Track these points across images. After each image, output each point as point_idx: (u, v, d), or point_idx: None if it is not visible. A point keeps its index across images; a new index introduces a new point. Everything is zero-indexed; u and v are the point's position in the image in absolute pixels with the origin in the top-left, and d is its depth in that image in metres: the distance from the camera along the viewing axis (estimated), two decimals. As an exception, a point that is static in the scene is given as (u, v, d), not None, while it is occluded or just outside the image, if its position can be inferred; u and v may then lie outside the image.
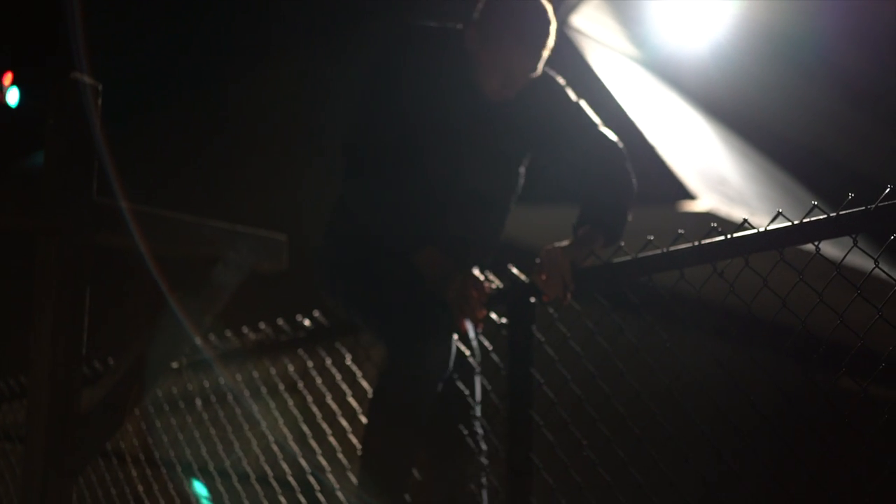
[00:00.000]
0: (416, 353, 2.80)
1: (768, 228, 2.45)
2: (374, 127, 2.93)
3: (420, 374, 2.80)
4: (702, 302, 2.62)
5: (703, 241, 2.57)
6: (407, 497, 2.85)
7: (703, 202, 6.15)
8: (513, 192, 3.15)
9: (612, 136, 3.13)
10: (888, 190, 2.26)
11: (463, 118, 3.01)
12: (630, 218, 3.02)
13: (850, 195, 2.34)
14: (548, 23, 2.97)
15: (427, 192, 2.95)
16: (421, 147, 2.97)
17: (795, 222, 2.41)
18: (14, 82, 8.54)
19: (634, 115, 6.84)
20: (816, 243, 2.39)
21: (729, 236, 2.52)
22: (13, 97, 8.56)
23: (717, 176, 6.90)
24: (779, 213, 2.45)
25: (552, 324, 2.97)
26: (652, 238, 2.71)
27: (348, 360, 3.65)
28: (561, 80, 3.16)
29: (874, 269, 2.28)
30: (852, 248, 2.35)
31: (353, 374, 3.64)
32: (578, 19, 7.48)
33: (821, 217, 2.36)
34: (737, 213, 6.15)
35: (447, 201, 3.00)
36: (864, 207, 2.27)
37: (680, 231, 2.65)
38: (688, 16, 7.44)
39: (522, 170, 3.16)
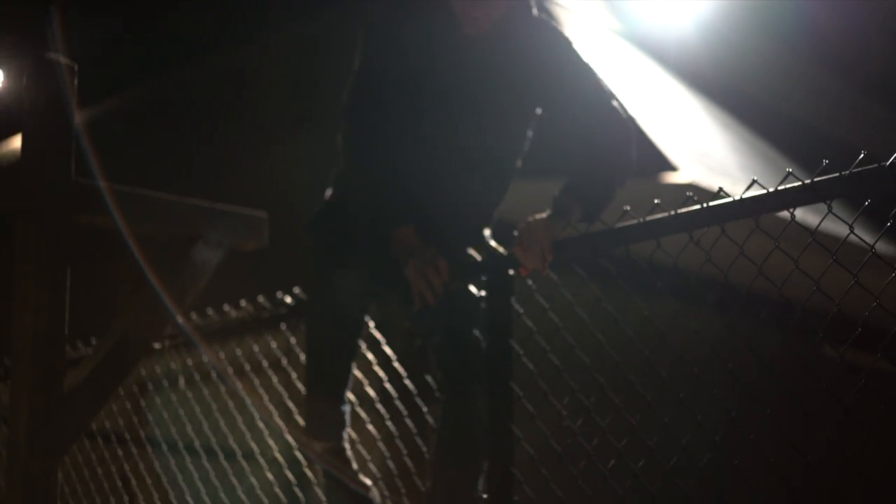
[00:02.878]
0: (324, 286, 2.96)
1: (743, 196, 2.46)
2: (355, 84, 2.91)
3: (323, 306, 2.99)
4: (680, 271, 2.63)
5: (679, 211, 2.58)
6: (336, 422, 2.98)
7: (684, 174, 6.16)
8: (514, 148, 2.98)
9: (623, 110, 2.96)
10: (861, 156, 2.27)
11: (442, 62, 2.87)
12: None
13: (825, 161, 2.35)
14: None
15: (412, 150, 2.90)
16: (401, 101, 2.88)
17: (770, 190, 2.41)
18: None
19: (615, 87, 6.83)
20: (791, 210, 2.40)
21: (704, 205, 2.52)
22: None
23: (699, 147, 6.91)
24: (754, 181, 2.46)
25: (531, 295, 2.98)
26: (629, 208, 2.71)
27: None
28: (568, 36, 2.97)
29: (849, 234, 2.29)
30: (827, 214, 2.36)
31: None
32: (559, -7, 7.46)
33: (795, 184, 2.37)
34: (719, 185, 6.15)
35: (433, 160, 2.92)
36: (837, 174, 2.28)
37: (656, 201, 2.65)
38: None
39: (526, 123, 2.98)
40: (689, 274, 2.72)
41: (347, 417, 3.05)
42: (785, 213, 2.41)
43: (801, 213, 2.41)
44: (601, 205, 2.89)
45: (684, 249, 2.55)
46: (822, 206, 2.38)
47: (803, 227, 2.40)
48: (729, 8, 7.53)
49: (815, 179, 2.33)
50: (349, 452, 3.06)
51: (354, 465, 3.05)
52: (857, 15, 8.11)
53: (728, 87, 7.96)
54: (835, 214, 2.35)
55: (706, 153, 6.85)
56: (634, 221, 2.66)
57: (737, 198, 2.47)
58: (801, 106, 8.36)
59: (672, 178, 6.10)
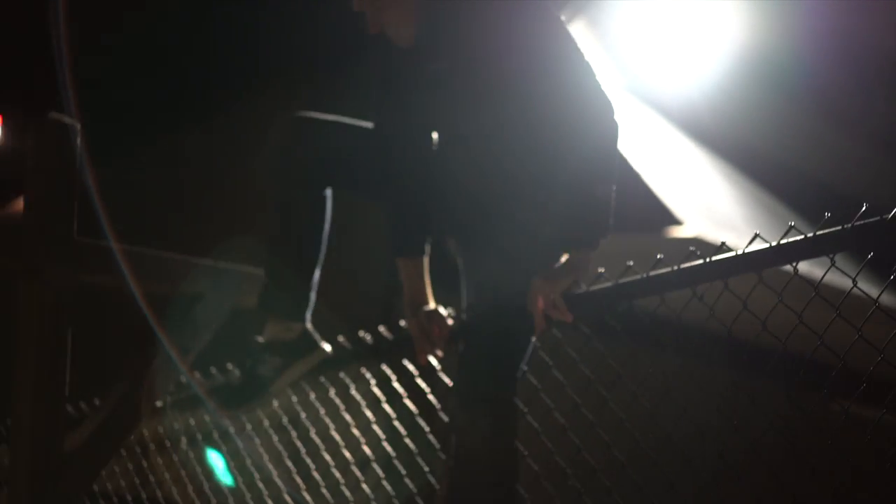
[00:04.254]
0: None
1: (746, 251, 2.45)
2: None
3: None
4: (684, 326, 2.61)
5: (682, 266, 2.56)
6: None
7: (689, 227, 6.15)
8: (487, 130, 2.72)
9: (596, 98, 2.61)
10: (863, 209, 2.26)
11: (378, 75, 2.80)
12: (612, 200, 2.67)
13: (827, 214, 2.34)
14: None
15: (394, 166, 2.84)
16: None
17: (773, 244, 2.40)
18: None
19: (620, 142, 6.83)
20: (794, 264, 2.39)
21: (707, 260, 2.51)
22: None
23: (704, 201, 6.90)
24: (756, 236, 2.45)
25: (534, 352, 2.96)
26: (632, 263, 2.69)
27: (331, 394, 3.64)
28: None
29: (852, 288, 2.28)
30: (830, 267, 2.34)
31: (338, 407, 3.64)
32: (561, 48, 7.49)
33: (797, 238, 2.36)
34: (724, 238, 6.13)
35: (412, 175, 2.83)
36: (839, 227, 2.27)
37: (659, 256, 2.64)
38: (670, 41, 7.47)
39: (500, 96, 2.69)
40: (693, 329, 2.70)
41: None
42: (788, 267, 2.40)
43: (804, 266, 2.39)
44: (598, 230, 2.66)
45: (688, 304, 2.54)
46: (826, 259, 2.36)
47: (807, 281, 2.39)
48: (730, 61, 7.56)
49: (818, 233, 2.32)
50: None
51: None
52: (858, 68, 8.14)
53: (730, 139, 7.97)
54: (838, 268, 2.33)
55: (711, 206, 6.85)
56: (637, 277, 2.64)
57: (740, 252, 2.46)
58: (805, 158, 8.36)
59: (677, 232, 6.10)
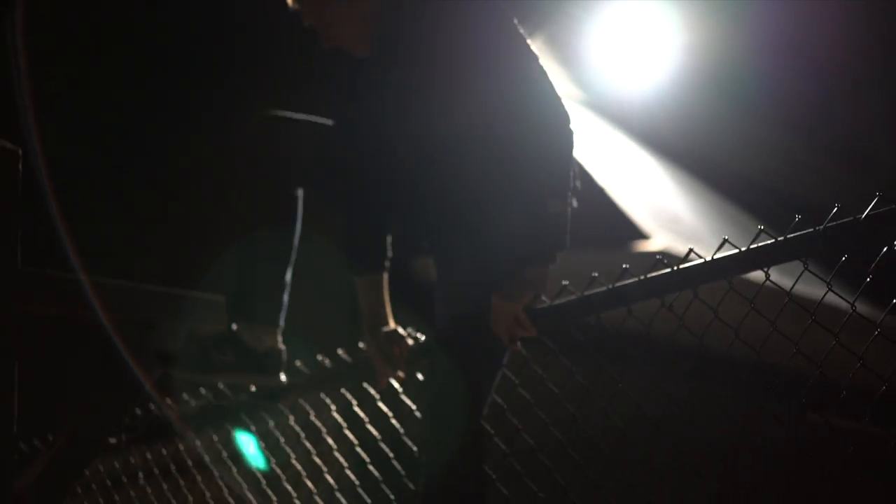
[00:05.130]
0: None
1: (715, 257, 2.36)
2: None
3: None
4: (653, 339, 2.52)
5: (649, 275, 2.47)
6: None
7: (656, 241, 6.09)
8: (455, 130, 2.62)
9: (539, 98, 2.51)
10: (835, 210, 2.19)
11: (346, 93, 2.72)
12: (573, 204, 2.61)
13: (798, 217, 2.26)
14: None
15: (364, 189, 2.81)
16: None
17: (742, 249, 2.32)
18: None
19: (583, 158, 6.81)
20: (766, 269, 2.30)
21: (676, 268, 2.42)
22: None
23: (669, 214, 6.86)
24: (725, 241, 2.36)
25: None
26: (596, 275, 2.60)
27: (290, 421, 3.54)
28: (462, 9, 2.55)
29: (827, 292, 2.20)
30: (803, 271, 2.26)
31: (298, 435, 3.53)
32: (521, 65, 7.45)
33: (769, 241, 2.27)
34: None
35: (381, 184, 2.78)
36: (812, 229, 2.19)
37: (625, 266, 2.55)
38: (629, 55, 7.44)
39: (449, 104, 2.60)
40: (663, 341, 2.61)
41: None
42: (759, 274, 2.32)
43: (775, 275, 2.31)
44: (553, 245, 2.57)
45: (656, 315, 2.45)
46: (797, 267, 2.28)
47: (779, 288, 2.30)
48: (689, 74, 7.54)
49: (789, 236, 2.24)
50: None
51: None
52: (817, 78, 8.15)
53: (693, 152, 7.95)
54: (811, 272, 2.25)
55: (676, 219, 6.81)
56: (603, 289, 2.55)
57: (709, 259, 2.38)
58: (767, 169, 8.35)
59: (644, 246, 6.04)
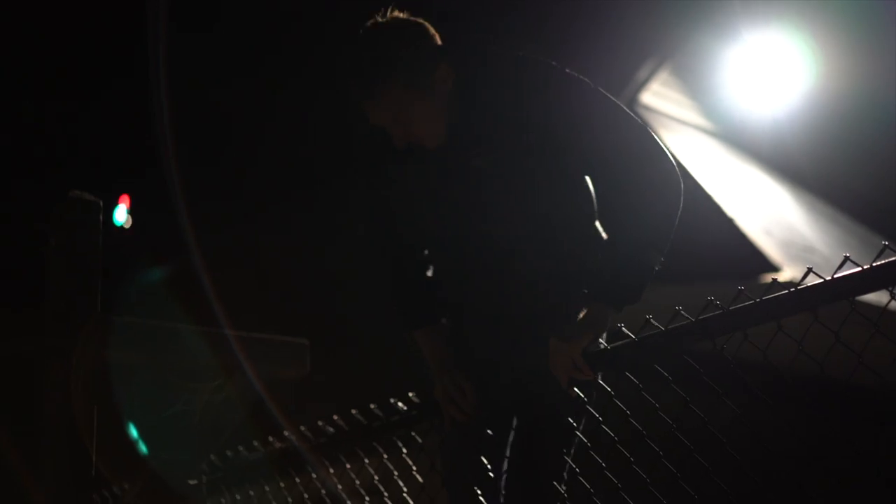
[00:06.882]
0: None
1: (835, 276, 2.20)
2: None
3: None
4: (770, 366, 2.37)
5: (765, 297, 2.33)
6: None
7: (787, 273, 5.88)
8: (523, 225, 2.72)
9: (649, 149, 2.57)
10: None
11: (415, 183, 2.80)
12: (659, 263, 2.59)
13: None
14: (354, 59, 2.62)
15: (424, 267, 2.93)
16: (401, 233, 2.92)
17: (865, 266, 2.15)
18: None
19: (711, 188, 6.64)
20: (891, 289, 2.13)
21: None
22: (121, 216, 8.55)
23: (802, 244, 6.63)
24: (846, 259, 2.20)
25: (610, 400, 2.74)
26: (680, 308, 2.46)
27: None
28: (545, 71, 2.63)
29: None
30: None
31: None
32: (648, 97, 7.34)
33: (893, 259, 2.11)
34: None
35: (446, 268, 2.88)
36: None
37: (710, 298, 2.40)
38: (756, 82, 7.26)
39: (530, 196, 2.70)
40: (782, 368, 2.45)
41: None
42: (882, 296, 2.15)
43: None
44: (631, 292, 2.58)
45: (773, 339, 2.30)
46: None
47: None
48: (820, 100, 7.31)
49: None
50: None
51: None
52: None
53: (827, 179, 7.68)
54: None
55: (810, 249, 6.57)
56: (686, 321, 2.42)
57: (828, 278, 2.22)
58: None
59: (773, 279, 5.83)
